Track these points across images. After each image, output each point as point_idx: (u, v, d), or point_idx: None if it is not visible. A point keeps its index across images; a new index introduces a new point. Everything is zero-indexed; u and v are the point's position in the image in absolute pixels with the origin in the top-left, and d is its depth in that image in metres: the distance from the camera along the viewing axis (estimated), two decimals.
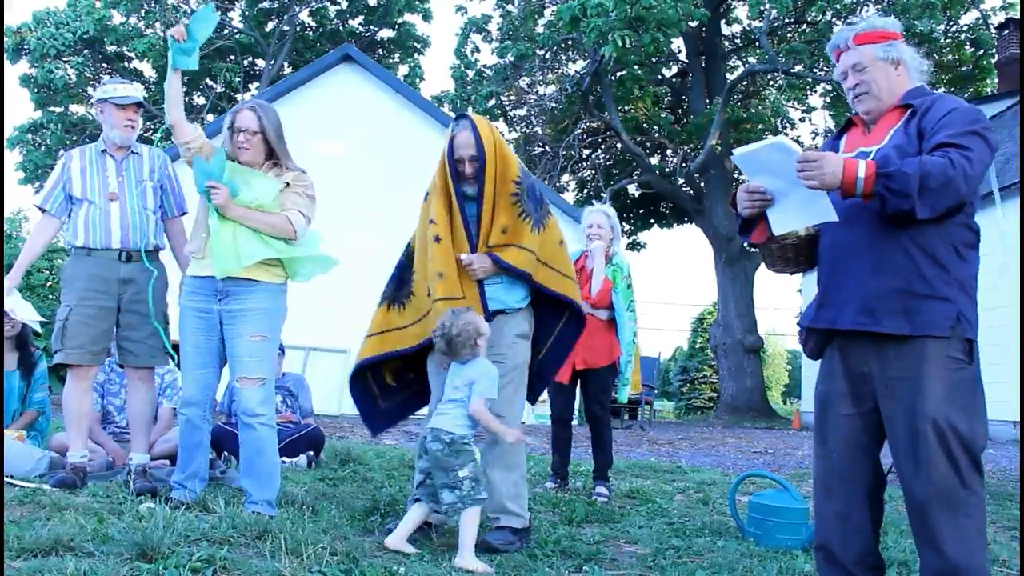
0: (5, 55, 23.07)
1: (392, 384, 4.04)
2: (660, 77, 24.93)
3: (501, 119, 23.60)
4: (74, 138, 24.27)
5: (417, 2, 26.66)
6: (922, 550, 2.42)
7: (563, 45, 22.27)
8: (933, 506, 2.36)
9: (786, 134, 25.56)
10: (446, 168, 3.72)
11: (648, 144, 25.01)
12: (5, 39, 22.70)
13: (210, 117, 24.63)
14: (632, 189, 25.55)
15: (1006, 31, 17.41)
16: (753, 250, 23.87)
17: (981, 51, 20.26)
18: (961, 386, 2.40)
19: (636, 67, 21.28)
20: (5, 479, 4.08)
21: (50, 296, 16.82)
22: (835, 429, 2.61)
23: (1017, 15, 18.52)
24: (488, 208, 3.67)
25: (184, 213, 4.58)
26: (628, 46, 17.18)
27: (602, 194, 22.21)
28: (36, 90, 23.51)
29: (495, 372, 3.41)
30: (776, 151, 2.54)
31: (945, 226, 2.44)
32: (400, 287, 3.92)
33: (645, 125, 24.81)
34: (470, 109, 21.29)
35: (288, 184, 3.99)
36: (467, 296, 3.64)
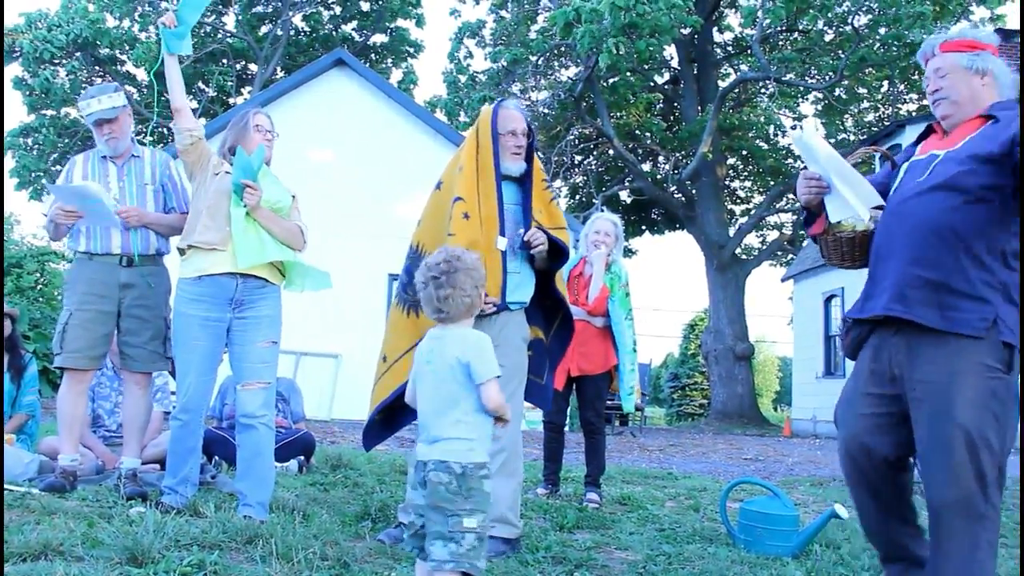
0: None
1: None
2: (652, 84, 25.02)
3: None
4: (66, 141, 24.19)
5: (410, 7, 26.70)
6: (933, 554, 2.43)
7: (556, 51, 22.33)
8: (952, 514, 2.35)
9: (777, 141, 25.67)
10: (479, 147, 3.63)
11: (640, 151, 25.10)
12: None
13: (202, 120, 24.57)
14: (624, 195, 25.64)
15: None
16: (744, 256, 23.99)
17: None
18: (995, 396, 2.37)
19: (629, 74, 21.35)
20: None
21: (40, 299, 16.76)
22: (851, 428, 2.63)
23: (1005, 26, 18.65)
24: (533, 190, 3.69)
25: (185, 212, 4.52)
26: (621, 53, 17.24)
27: (594, 200, 22.26)
28: (29, 93, 23.42)
29: (486, 339, 2.49)
30: (802, 144, 2.58)
31: (994, 232, 2.43)
32: None
33: (637, 132, 24.90)
34: (462, 115, 21.32)
35: (294, 197, 4.09)
36: (489, 281, 3.52)
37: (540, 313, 3.86)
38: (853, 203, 2.62)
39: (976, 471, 2.33)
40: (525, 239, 3.61)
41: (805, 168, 2.80)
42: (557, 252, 3.72)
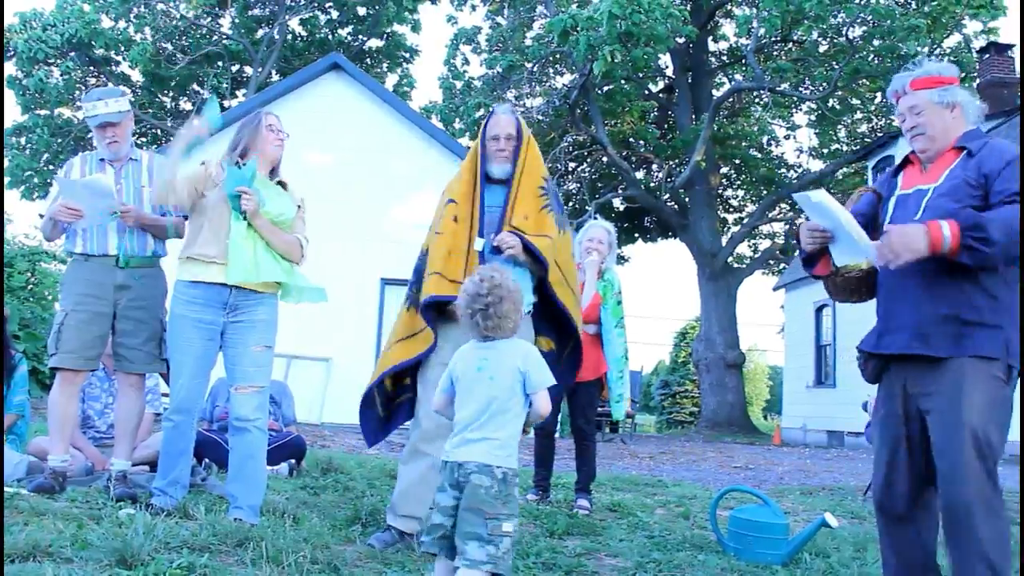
0: None
1: (390, 390, 3.93)
2: (647, 92, 25.09)
3: None
4: (60, 141, 24.10)
5: (406, 13, 26.73)
6: (957, 553, 2.52)
7: (551, 58, 22.37)
8: (976, 511, 2.47)
9: (770, 151, 25.77)
10: (477, 150, 3.77)
11: (634, 158, 25.14)
12: None
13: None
14: (617, 203, 25.68)
15: (987, 55, 17.66)
16: (737, 264, 24.04)
17: (963, 74, 20.49)
18: (998, 403, 2.54)
19: (623, 82, 21.39)
20: None
21: (30, 299, 16.68)
22: (889, 449, 2.75)
23: (998, 40, 18.77)
24: (514, 193, 3.70)
25: (186, 216, 4.51)
26: (617, 61, 17.29)
27: (588, 207, 22.29)
28: (23, 93, 23.34)
29: (535, 348, 2.68)
30: (818, 206, 2.69)
31: None
32: (422, 288, 3.77)
33: (631, 139, 24.95)
34: (457, 121, 21.33)
35: (298, 207, 4.08)
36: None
37: (552, 326, 3.84)
38: (861, 250, 2.73)
39: (985, 470, 2.48)
40: (493, 243, 3.62)
41: (807, 219, 2.90)
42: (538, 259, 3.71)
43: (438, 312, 3.67)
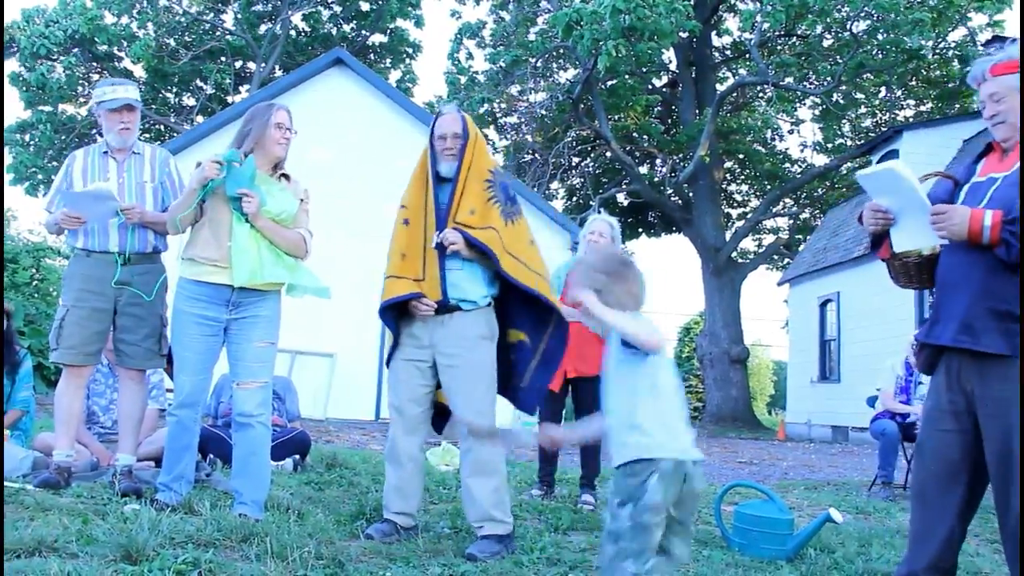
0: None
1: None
2: (651, 87, 25.04)
3: (491, 126, 23.66)
4: (63, 137, 24.11)
5: (409, 8, 26.70)
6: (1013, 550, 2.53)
7: (555, 53, 22.33)
8: None
9: (774, 145, 25.72)
10: (427, 152, 3.85)
11: (637, 153, 25.11)
12: None
13: (199, 118, 24.54)
14: (621, 198, 25.65)
15: (992, 48, 17.60)
16: (741, 259, 24.02)
17: (968, 68, 20.37)
18: None
19: (627, 76, 21.34)
20: None
21: (35, 295, 16.71)
22: (932, 442, 2.72)
23: (1003, 33, 18.70)
24: (460, 188, 3.74)
25: None
26: (621, 55, 17.25)
27: (592, 202, 22.27)
28: (26, 89, 23.35)
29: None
30: (893, 175, 2.65)
31: None
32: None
33: (635, 134, 24.91)
34: None
35: (301, 200, 4.07)
36: (427, 278, 3.67)
37: (528, 318, 3.84)
38: (922, 237, 2.71)
39: None
40: (437, 240, 3.66)
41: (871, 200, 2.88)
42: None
43: (400, 312, 3.79)
